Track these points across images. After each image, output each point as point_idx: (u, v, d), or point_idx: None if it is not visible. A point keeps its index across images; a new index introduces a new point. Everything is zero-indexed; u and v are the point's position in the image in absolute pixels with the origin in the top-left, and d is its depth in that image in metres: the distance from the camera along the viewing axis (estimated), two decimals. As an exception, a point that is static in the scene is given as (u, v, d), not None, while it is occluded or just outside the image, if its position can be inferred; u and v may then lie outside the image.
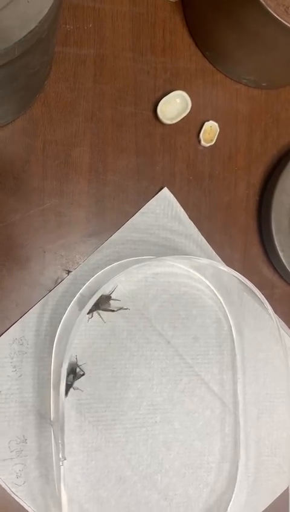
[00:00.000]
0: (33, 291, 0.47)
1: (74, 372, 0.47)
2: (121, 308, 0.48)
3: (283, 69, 0.50)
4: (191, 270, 0.51)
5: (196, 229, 0.50)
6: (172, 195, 0.50)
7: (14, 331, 0.46)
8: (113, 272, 0.47)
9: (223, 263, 0.51)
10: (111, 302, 0.48)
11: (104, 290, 0.47)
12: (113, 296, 0.48)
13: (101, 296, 0.47)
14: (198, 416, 0.50)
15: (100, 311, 0.48)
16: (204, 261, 0.48)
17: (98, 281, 0.47)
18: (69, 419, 0.47)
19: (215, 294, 0.51)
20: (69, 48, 0.49)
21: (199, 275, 0.51)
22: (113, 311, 0.48)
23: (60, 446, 0.41)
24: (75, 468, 0.47)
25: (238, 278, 0.47)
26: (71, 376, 0.46)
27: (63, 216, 0.48)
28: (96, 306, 0.47)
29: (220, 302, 0.51)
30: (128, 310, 0.48)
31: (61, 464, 0.41)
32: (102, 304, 0.47)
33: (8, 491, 0.45)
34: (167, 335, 0.50)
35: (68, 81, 0.49)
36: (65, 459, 0.41)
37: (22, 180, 0.47)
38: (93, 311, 0.47)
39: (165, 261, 0.49)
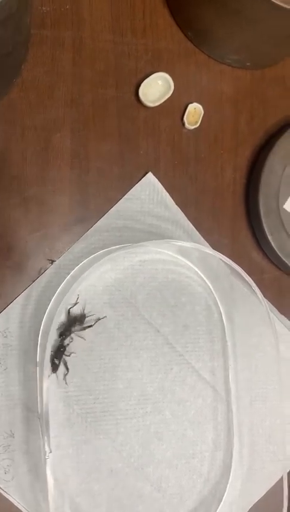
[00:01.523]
0: (16, 282, 0.46)
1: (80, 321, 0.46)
2: (98, 319, 0.47)
3: (267, 46, 0.49)
4: (179, 257, 0.50)
5: (183, 215, 0.50)
6: (157, 180, 0.49)
7: (-3, 323, 0.46)
8: (98, 260, 0.46)
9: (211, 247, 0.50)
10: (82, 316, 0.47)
11: (67, 302, 0.46)
12: (80, 307, 0.47)
13: (72, 317, 0.46)
14: (190, 405, 0.50)
15: (77, 333, 0.47)
16: (189, 244, 0.48)
17: (83, 270, 0.46)
18: (57, 412, 0.46)
19: (204, 280, 0.51)
20: (46, 31, 0.48)
21: (187, 261, 0.50)
22: (90, 326, 0.47)
23: (46, 438, 0.40)
24: (65, 461, 0.46)
25: (225, 262, 0.46)
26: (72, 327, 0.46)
27: (45, 204, 0.47)
28: (69, 329, 0.46)
29: (210, 289, 0.51)
30: (105, 317, 0.48)
31: (46, 456, 0.40)
32: (76, 324, 0.47)
33: (-4, 487, 0.45)
34: (156, 323, 0.49)
35: (46, 64, 0.48)
36: (50, 452, 0.40)
37: (1, 168, 0.46)
38: (68, 335, 0.46)
39: (150, 247, 0.49)
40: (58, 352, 0.46)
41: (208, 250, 0.46)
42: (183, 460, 0.49)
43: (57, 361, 0.45)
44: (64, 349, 0.46)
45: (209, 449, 0.50)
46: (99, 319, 0.47)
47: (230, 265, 0.46)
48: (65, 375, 0.46)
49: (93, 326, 0.47)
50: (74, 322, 0.46)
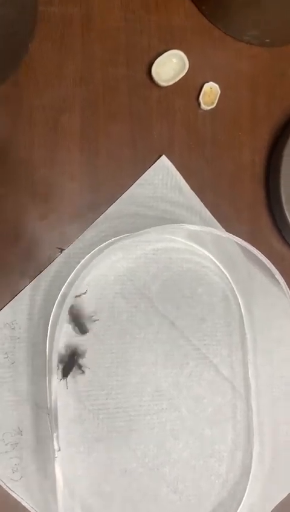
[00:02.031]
0: (24, 272, 0.44)
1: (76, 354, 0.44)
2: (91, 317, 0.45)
3: (288, 20, 0.46)
4: (195, 245, 0.47)
5: (199, 200, 0.47)
6: (171, 164, 0.47)
7: (4, 315, 0.43)
8: (109, 249, 0.44)
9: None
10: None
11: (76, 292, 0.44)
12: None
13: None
14: (207, 402, 0.47)
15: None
16: (204, 228, 0.45)
17: (93, 259, 0.44)
18: (67, 408, 0.44)
19: (221, 270, 0.48)
20: (53, 7, 0.46)
21: (203, 250, 0.48)
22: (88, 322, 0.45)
23: (55, 436, 0.38)
24: (75, 460, 0.44)
25: (243, 246, 0.43)
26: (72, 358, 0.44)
27: (53, 189, 0.45)
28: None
29: (227, 279, 0.48)
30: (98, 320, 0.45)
31: (55, 455, 0.38)
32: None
33: (4, 486, 0.43)
34: (171, 316, 0.47)
35: (54, 42, 0.46)
36: (59, 450, 0.38)
37: (8, 151, 0.44)
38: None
39: (164, 235, 0.46)
40: (72, 361, 0.44)
41: (224, 233, 0.43)
42: (200, 460, 0.47)
43: (68, 370, 0.44)
44: (79, 357, 0.44)
45: (229, 449, 0.47)
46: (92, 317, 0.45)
47: (251, 251, 0.43)
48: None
49: (105, 319, 0.45)
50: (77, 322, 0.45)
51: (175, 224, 0.44)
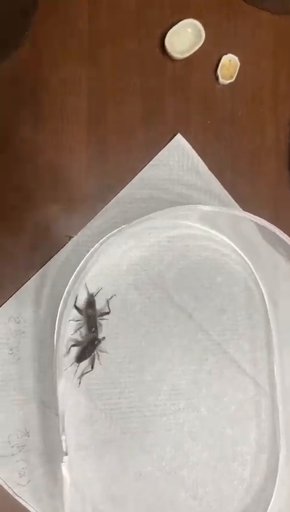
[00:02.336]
0: (29, 262, 0.41)
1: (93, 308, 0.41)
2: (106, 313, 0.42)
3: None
4: (213, 231, 0.44)
5: (218, 182, 0.44)
6: (187, 143, 0.43)
7: (9, 307, 0.41)
8: (120, 236, 0.40)
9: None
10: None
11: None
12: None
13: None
14: (228, 400, 0.44)
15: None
16: (220, 209, 0.41)
17: (103, 247, 0.41)
18: (77, 408, 0.41)
19: (242, 257, 0.44)
20: (58, -23, 0.43)
21: (222, 236, 0.44)
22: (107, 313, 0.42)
23: (63, 438, 0.35)
24: (86, 463, 0.41)
25: (263, 227, 0.39)
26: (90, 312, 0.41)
27: (60, 173, 0.42)
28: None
29: (250, 267, 0.44)
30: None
31: (62, 461, 0.35)
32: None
33: (11, 492, 0.40)
34: (188, 307, 0.43)
35: (59, 16, 0.43)
36: (66, 454, 0.35)
37: (11, 133, 0.41)
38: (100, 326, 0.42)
39: (178, 221, 0.43)
40: (91, 346, 0.41)
41: (244, 213, 0.39)
42: (222, 463, 0.44)
43: (86, 354, 0.41)
44: (99, 343, 0.41)
45: (252, 451, 0.44)
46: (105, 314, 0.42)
47: (274, 232, 0.39)
48: (84, 373, 0.41)
49: (117, 311, 0.42)
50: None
51: (188, 205, 0.41)
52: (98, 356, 0.41)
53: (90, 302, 0.41)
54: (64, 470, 0.35)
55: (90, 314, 0.41)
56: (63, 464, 0.35)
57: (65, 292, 0.40)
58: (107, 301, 0.42)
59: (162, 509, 0.42)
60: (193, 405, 0.43)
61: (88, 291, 0.41)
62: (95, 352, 0.41)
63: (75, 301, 0.41)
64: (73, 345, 0.41)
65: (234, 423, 0.44)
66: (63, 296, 0.39)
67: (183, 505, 0.43)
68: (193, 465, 0.43)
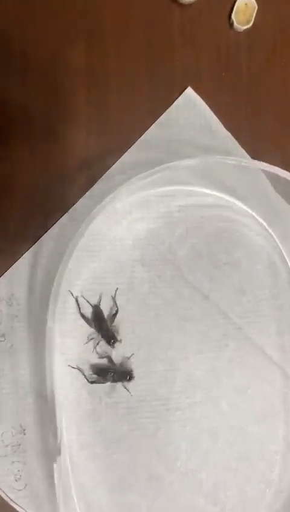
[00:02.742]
0: (21, 236, 0.37)
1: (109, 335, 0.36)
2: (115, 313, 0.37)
3: None
4: (231, 199, 0.39)
5: (235, 142, 0.38)
6: (199, 98, 0.38)
7: (-1, 288, 0.36)
8: (121, 202, 0.35)
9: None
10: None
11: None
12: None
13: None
14: (253, 392, 0.38)
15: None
16: (235, 161, 0.35)
17: (104, 216, 0.36)
18: (80, 403, 0.36)
19: (266, 229, 0.39)
20: None
21: (241, 204, 0.39)
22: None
23: (56, 432, 0.30)
24: (91, 465, 0.36)
25: None
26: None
27: (55, 136, 0.37)
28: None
29: (274, 240, 0.39)
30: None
31: (55, 462, 0.30)
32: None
33: (5, 497, 0.35)
34: (204, 287, 0.38)
35: None
36: (59, 454, 0.30)
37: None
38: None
39: (192, 187, 0.38)
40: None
41: (273, 167, 0.34)
42: (246, 464, 0.38)
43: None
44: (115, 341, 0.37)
45: (281, 450, 0.38)
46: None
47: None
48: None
49: (123, 291, 0.37)
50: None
51: (200, 157, 0.35)
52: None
53: (98, 313, 0.37)
54: (57, 472, 0.30)
55: (103, 326, 0.37)
56: (55, 464, 0.30)
57: (60, 268, 0.35)
58: (113, 298, 0.37)
59: (179, 517, 0.37)
60: (211, 398, 0.38)
61: (91, 304, 0.37)
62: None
63: (79, 309, 0.37)
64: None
65: (260, 419, 0.38)
66: (58, 272, 0.35)
67: (202, 512, 0.38)
68: (212, 467, 0.38)
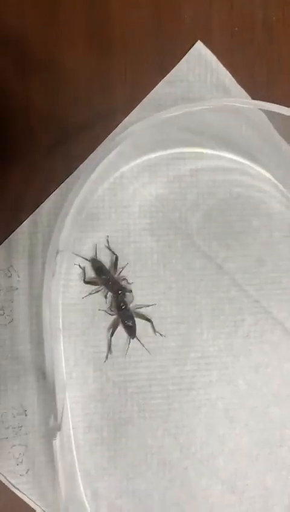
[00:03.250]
0: (20, 204, 0.34)
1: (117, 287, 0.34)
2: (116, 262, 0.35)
3: None
4: (248, 162, 0.36)
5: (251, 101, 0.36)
6: (211, 53, 0.35)
7: (-3, 259, 0.34)
8: (127, 163, 0.33)
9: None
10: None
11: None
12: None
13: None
14: (273, 371, 0.35)
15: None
16: (259, 104, 0.31)
17: (107, 176, 0.33)
18: (85, 381, 0.34)
19: (285, 195, 0.36)
20: None
21: (258, 168, 0.36)
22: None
23: (56, 408, 0.27)
24: (98, 449, 0.34)
25: None
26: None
27: (54, 95, 0.35)
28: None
29: (293, 206, 0.36)
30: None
31: (54, 438, 0.27)
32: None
33: (6, 483, 0.33)
34: (218, 257, 0.36)
35: None
36: (59, 430, 0.28)
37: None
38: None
39: (205, 150, 0.35)
40: (127, 312, 0.34)
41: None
42: (266, 449, 0.35)
43: (130, 322, 0.34)
44: (128, 305, 0.34)
45: (305, 434, 0.36)
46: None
47: None
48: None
49: (130, 263, 0.35)
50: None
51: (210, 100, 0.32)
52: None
53: (98, 267, 0.34)
54: (57, 449, 0.28)
55: (106, 279, 0.34)
56: (54, 440, 0.27)
57: (61, 236, 0.32)
58: (107, 247, 0.34)
59: (194, 506, 0.34)
60: (227, 377, 0.35)
61: (88, 259, 0.34)
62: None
63: (84, 278, 0.34)
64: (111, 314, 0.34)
65: (281, 400, 0.36)
66: (60, 240, 0.32)
67: (219, 501, 0.35)
68: (230, 453, 0.35)
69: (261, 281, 0.36)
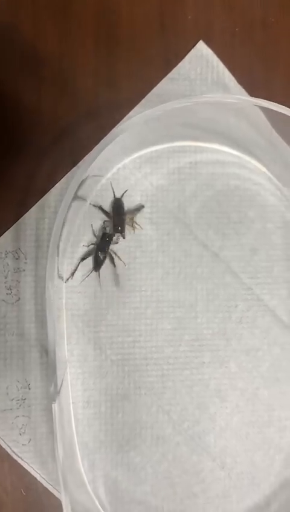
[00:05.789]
0: (29, 189, 0.37)
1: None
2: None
3: None
4: (244, 156, 0.38)
5: (250, 99, 0.38)
6: (212, 52, 0.38)
7: (5, 241, 0.37)
8: (129, 155, 0.36)
9: None
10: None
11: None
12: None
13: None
14: (263, 355, 0.38)
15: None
16: (259, 101, 0.34)
17: (109, 166, 0.36)
18: (86, 358, 0.37)
19: (279, 188, 0.39)
20: None
21: (254, 162, 0.38)
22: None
23: (57, 376, 0.30)
24: (96, 422, 0.37)
25: None
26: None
27: (62, 86, 0.38)
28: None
29: (288, 199, 0.39)
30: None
31: (53, 401, 0.30)
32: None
33: (9, 451, 0.36)
34: (214, 246, 0.38)
35: None
36: (58, 394, 0.30)
37: (8, 43, 0.37)
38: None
39: (204, 144, 0.37)
40: (104, 243, 0.37)
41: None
42: (255, 429, 0.38)
43: (101, 256, 0.37)
44: (111, 239, 0.37)
45: (292, 415, 0.38)
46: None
47: None
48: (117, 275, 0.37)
49: (131, 249, 0.38)
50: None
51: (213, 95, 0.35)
52: (114, 257, 0.37)
53: (119, 205, 0.37)
54: (56, 413, 0.31)
55: (120, 217, 0.37)
56: (53, 404, 0.30)
57: (66, 223, 0.35)
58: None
59: (185, 479, 0.37)
60: (220, 359, 0.38)
61: (114, 194, 0.37)
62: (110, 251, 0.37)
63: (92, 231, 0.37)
64: (82, 259, 0.37)
65: (270, 382, 0.38)
66: (64, 227, 0.35)
67: (209, 476, 0.38)
68: (220, 431, 0.38)
69: (255, 269, 0.39)
